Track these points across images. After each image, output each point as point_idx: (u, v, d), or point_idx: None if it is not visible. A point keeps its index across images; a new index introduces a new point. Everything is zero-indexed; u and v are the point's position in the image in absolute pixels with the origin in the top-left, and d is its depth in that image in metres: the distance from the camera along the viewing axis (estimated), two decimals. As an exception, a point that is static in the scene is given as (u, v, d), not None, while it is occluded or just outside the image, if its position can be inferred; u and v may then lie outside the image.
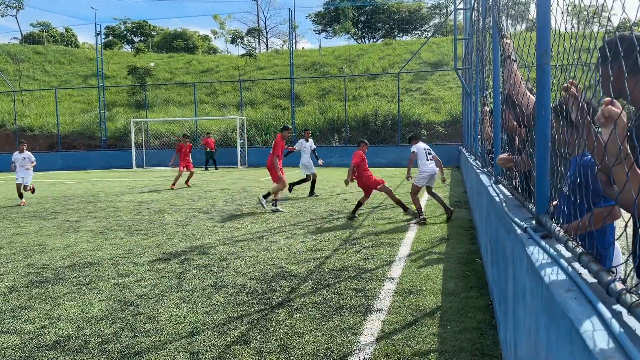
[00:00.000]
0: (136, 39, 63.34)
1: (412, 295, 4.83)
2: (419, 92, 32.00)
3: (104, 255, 6.90)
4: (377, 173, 10.73)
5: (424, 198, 11.19)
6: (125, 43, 63.47)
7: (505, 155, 3.67)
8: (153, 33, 63.15)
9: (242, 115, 28.91)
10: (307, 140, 13.42)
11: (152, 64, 39.17)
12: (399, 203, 9.47)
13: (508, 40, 3.36)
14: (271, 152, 10.88)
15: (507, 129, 3.78)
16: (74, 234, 8.47)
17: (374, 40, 62.12)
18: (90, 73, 41.04)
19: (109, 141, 31.14)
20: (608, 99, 1.53)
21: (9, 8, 55.78)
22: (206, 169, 24.91)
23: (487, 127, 6.54)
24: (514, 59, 3.24)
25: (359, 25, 63.30)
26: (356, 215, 9.56)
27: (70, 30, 60.89)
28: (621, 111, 1.47)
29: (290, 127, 12.29)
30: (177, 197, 13.32)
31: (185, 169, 16.28)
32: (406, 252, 6.65)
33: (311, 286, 5.21)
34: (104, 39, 54.97)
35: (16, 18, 61.06)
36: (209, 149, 24.79)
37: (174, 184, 15.85)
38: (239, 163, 26.22)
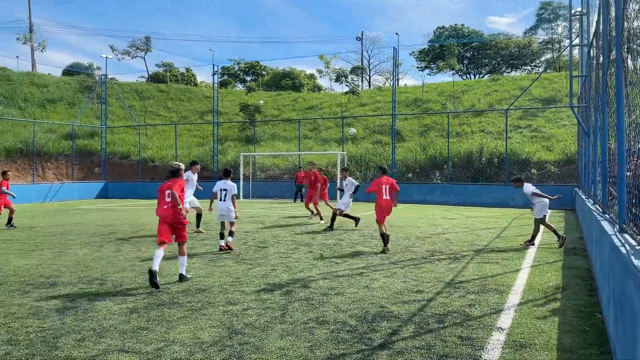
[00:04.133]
0: (248, 78, 67.55)
1: (523, 349, 4.52)
2: (529, 129, 30.53)
3: (214, 282, 7.27)
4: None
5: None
6: (238, 82, 67.89)
7: None
8: (263, 72, 67.00)
9: (343, 151, 29.41)
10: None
11: (262, 102, 41.36)
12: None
13: None
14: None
15: None
16: (187, 260, 9.01)
17: (480, 76, 60.70)
18: (206, 110, 44.28)
19: (219, 173, 33.16)
20: None
21: (139, 50, 62.49)
22: (294, 200, 26.24)
23: None
24: None
25: (464, 62, 62.33)
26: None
27: (190, 70, 66.41)
28: None
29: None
30: (279, 229, 13.75)
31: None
32: (516, 300, 6.27)
33: (413, 329, 5.08)
34: (220, 78, 59.20)
35: (144, 59, 67.85)
36: (298, 182, 26.08)
37: (320, 216, 16.72)
38: (338, 197, 26.56)
